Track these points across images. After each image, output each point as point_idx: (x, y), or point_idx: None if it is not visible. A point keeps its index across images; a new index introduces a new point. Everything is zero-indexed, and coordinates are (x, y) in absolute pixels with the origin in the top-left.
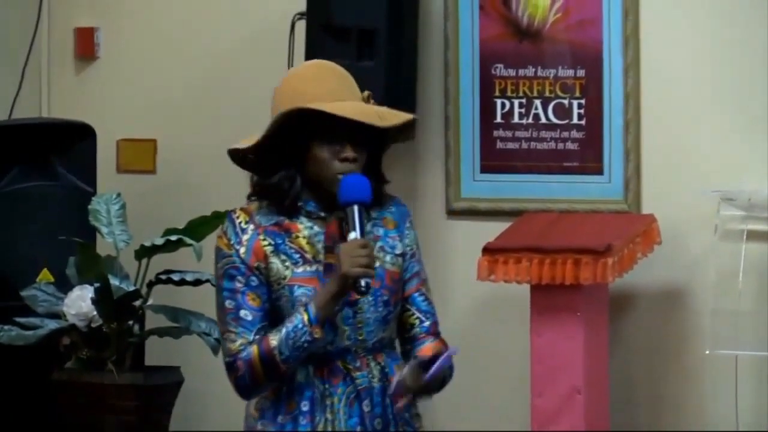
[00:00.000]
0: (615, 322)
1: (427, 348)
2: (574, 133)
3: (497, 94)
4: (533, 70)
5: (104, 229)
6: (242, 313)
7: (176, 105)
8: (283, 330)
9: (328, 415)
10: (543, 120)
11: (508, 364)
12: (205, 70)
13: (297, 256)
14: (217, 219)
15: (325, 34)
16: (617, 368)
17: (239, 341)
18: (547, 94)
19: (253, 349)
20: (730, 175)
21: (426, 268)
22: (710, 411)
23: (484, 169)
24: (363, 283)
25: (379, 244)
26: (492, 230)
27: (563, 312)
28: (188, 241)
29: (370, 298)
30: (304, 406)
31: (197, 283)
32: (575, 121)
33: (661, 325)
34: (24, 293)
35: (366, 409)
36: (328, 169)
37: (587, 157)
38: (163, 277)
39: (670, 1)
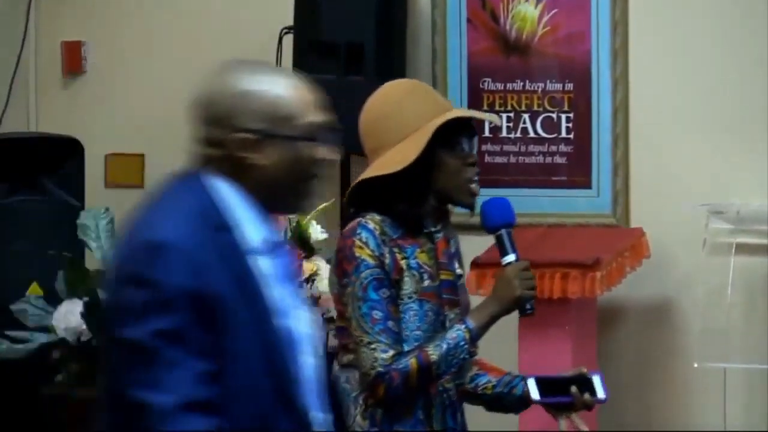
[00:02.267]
0: (603, 335)
1: (490, 368)
2: (563, 147)
3: (485, 108)
4: (521, 83)
5: (93, 244)
6: (390, 324)
7: (164, 119)
8: (444, 346)
9: (436, 425)
10: (531, 134)
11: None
12: (192, 85)
13: (423, 270)
14: None
15: (313, 49)
16: (605, 381)
17: (392, 352)
18: (535, 108)
19: (412, 362)
20: (719, 188)
21: None
22: (699, 424)
23: None
24: (528, 305)
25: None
26: (481, 244)
27: (551, 326)
28: None
29: (457, 311)
30: (421, 415)
31: None
32: (563, 135)
33: (649, 339)
34: (13, 307)
35: (459, 419)
36: (459, 176)
37: (575, 171)
38: None
39: (658, 16)
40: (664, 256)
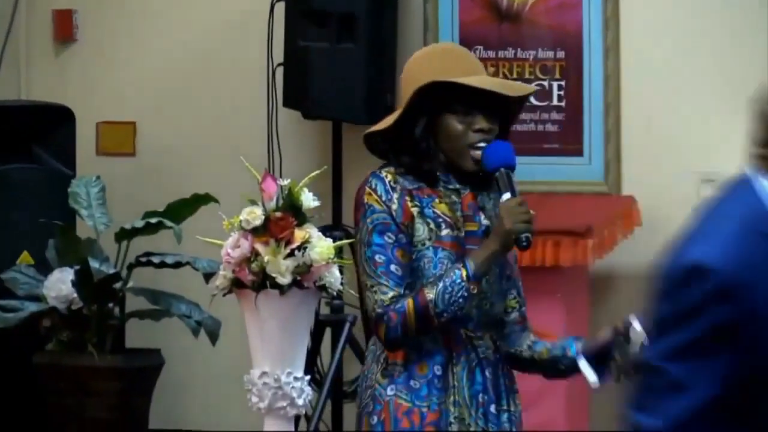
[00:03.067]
0: (595, 303)
1: (543, 335)
2: (554, 115)
3: None
4: (513, 52)
5: (84, 212)
6: (393, 267)
7: (155, 88)
8: (440, 284)
9: (455, 382)
10: None
11: None
12: (184, 53)
13: (440, 220)
14: (196, 202)
15: (305, 18)
16: None
17: (391, 293)
18: (527, 76)
19: (409, 302)
20: (710, 156)
21: None
22: None
23: None
24: (524, 238)
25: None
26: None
27: (543, 294)
28: (168, 223)
29: (497, 270)
30: (438, 371)
31: (177, 265)
32: (555, 103)
33: (641, 307)
34: (4, 276)
35: (489, 376)
36: (462, 140)
37: (567, 139)
38: (143, 259)
39: None
40: (655, 224)
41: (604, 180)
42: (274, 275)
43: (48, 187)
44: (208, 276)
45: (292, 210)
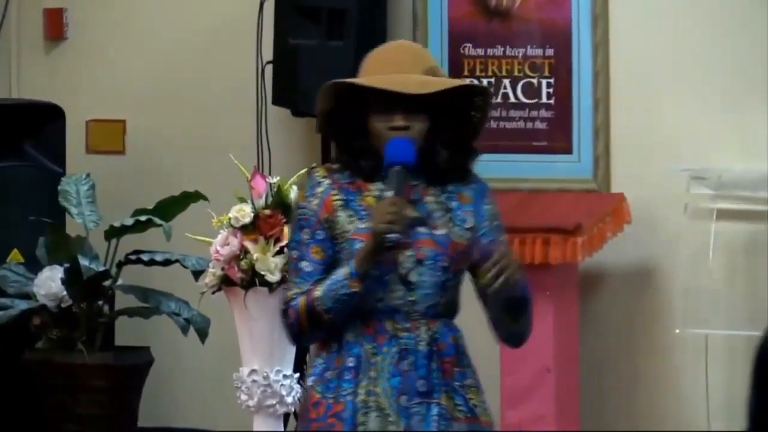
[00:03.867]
0: (585, 301)
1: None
2: (543, 113)
3: (466, 73)
4: (502, 49)
5: (74, 210)
6: (303, 264)
7: (145, 86)
8: (327, 281)
9: (372, 373)
10: (512, 99)
11: (477, 343)
12: (174, 51)
13: (363, 213)
14: (186, 199)
15: (294, 14)
16: (587, 347)
17: (294, 290)
18: (516, 73)
19: (302, 299)
20: (700, 153)
21: None
22: (681, 390)
23: None
24: (391, 238)
25: (448, 215)
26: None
27: (533, 291)
28: (157, 221)
29: (429, 262)
30: (350, 362)
31: (167, 263)
32: (544, 100)
33: (631, 305)
34: None
35: (406, 368)
36: (383, 138)
37: (556, 137)
38: (133, 257)
39: None
40: (645, 222)
41: (593, 177)
42: (263, 273)
43: (38, 185)
44: (198, 274)
45: (281, 207)
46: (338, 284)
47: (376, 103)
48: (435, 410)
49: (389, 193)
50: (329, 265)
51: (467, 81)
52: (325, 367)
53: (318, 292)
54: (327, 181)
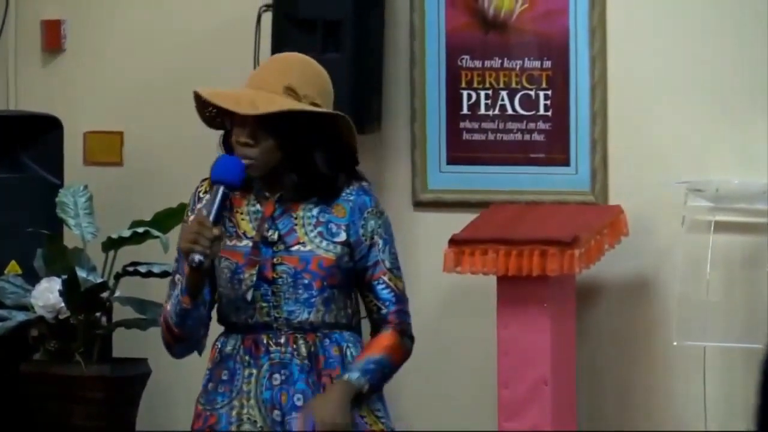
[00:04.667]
0: (582, 313)
1: (381, 338)
2: (541, 125)
3: (463, 85)
4: (500, 61)
5: (71, 221)
6: (177, 277)
7: (143, 97)
8: (171, 297)
9: (245, 387)
10: (509, 111)
11: (474, 356)
12: (171, 62)
13: (232, 230)
14: (183, 211)
15: (291, 26)
16: (584, 359)
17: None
18: (513, 85)
19: (163, 312)
20: (698, 165)
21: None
22: (678, 402)
23: (451, 161)
24: (194, 258)
25: (318, 229)
26: (458, 222)
27: (530, 303)
28: (155, 233)
29: (290, 280)
30: (225, 375)
31: (164, 274)
32: (542, 112)
33: (628, 317)
34: None
35: (275, 382)
36: (236, 152)
37: (554, 149)
38: (130, 268)
39: None
40: (642, 234)
41: (590, 189)
42: None
43: (35, 196)
44: None
45: None
46: (176, 299)
47: (225, 118)
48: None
49: (203, 213)
50: None
51: (317, 108)
52: (208, 379)
53: (168, 306)
54: (207, 197)
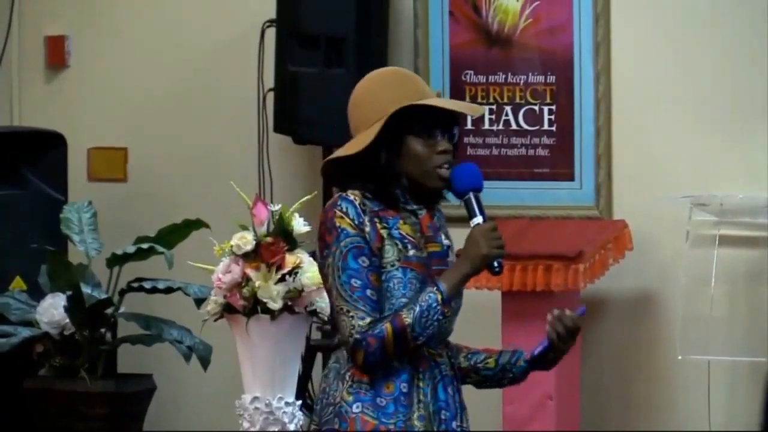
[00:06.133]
0: (586, 328)
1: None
2: (545, 140)
3: (468, 100)
4: (503, 76)
5: (76, 237)
6: (369, 292)
7: (147, 113)
8: (417, 308)
9: (421, 398)
10: (513, 126)
11: None
12: (175, 78)
13: (406, 241)
14: (188, 227)
15: (295, 42)
16: (589, 374)
17: (368, 319)
18: (517, 100)
19: (387, 326)
20: (702, 180)
21: None
22: (682, 416)
23: None
24: (496, 263)
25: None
26: (463, 237)
27: (534, 318)
28: (159, 248)
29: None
30: (404, 388)
31: (169, 290)
32: (546, 127)
33: (632, 331)
34: None
35: (451, 392)
36: (427, 162)
37: (558, 164)
38: (135, 284)
39: (640, 8)
40: (647, 248)
41: (595, 204)
42: (265, 300)
43: (40, 213)
44: (200, 301)
45: (283, 235)
46: (432, 311)
47: (420, 127)
48: None
49: (477, 219)
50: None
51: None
52: (374, 393)
53: (408, 319)
54: (367, 209)
